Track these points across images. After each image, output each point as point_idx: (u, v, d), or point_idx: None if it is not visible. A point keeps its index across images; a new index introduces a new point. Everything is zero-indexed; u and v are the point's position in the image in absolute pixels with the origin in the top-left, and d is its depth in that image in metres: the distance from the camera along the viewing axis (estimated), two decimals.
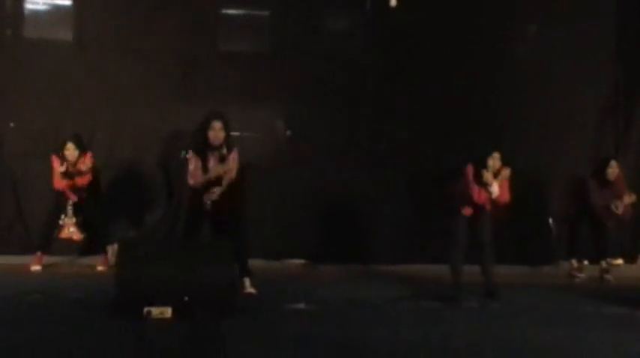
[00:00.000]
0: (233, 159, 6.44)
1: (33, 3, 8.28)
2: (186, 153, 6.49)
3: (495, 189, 6.62)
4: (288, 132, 8.54)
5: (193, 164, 6.40)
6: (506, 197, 6.73)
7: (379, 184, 8.39)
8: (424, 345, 5.05)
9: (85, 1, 8.30)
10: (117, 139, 7.93)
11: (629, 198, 7.72)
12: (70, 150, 7.42)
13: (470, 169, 6.70)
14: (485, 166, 6.67)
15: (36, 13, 8.30)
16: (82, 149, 7.46)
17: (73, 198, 7.43)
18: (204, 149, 6.41)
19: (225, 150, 6.42)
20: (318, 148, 8.35)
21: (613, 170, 7.75)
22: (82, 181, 7.42)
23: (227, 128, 6.42)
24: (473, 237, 6.71)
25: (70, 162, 7.40)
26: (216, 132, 6.37)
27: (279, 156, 8.30)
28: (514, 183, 6.80)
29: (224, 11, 8.57)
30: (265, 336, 5.16)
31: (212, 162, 6.39)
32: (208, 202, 6.41)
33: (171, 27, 8.20)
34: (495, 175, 6.69)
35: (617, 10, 8.81)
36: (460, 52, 8.37)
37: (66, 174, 7.35)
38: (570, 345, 5.12)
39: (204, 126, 6.38)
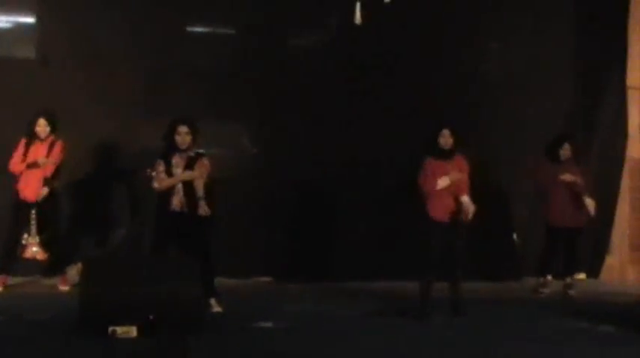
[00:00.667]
0: (204, 165, 6.46)
1: None
2: (152, 170, 6.49)
3: (443, 182, 6.49)
4: (254, 150, 8.56)
5: (158, 168, 6.43)
6: (463, 188, 6.59)
7: (347, 201, 8.40)
8: None
9: (48, 18, 8.22)
10: (81, 156, 7.84)
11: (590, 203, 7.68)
12: (42, 126, 7.20)
13: (429, 162, 6.61)
14: (437, 147, 6.61)
15: None
16: (55, 127, 7.27)
17: (29, 198, 7.20)
18: (170, 153, 6.43)
19: (193, 153, 6.45)
20: (285, 165, 8.37)
21: (564, 151, 7.74)
22: (44, 173, 7.20)
23: (194, 132, 6.45)
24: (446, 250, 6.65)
25: (40, 140, 7.20)
26: (183, 136, 6.41)
27: (245, 173, 8.29)
28: (478, 198, 6.86)
29: (190, 28, 8.58)
30: (233, 354, 5.14)
31: (178, 166, 6.41)
32: (175, 205, 6.38)
33: (137, 44, 8.17)
34: (451, 153, 6.62)
35: (577, 23, 8.95)
36: (424, 68, 8.45)
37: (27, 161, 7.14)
38: None
39: (171, 131, 6.42)
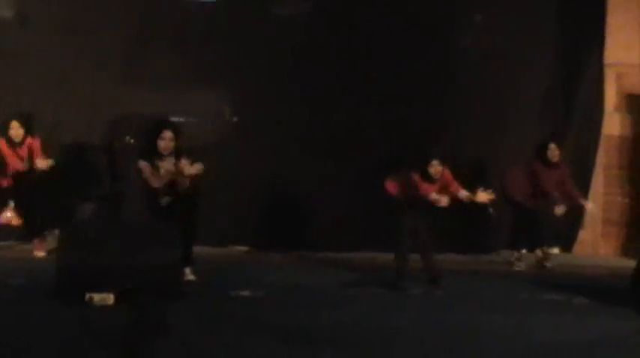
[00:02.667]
0: (185, 165, 6.33)
1: None
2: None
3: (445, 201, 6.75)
4: (235, 119, 8.52)
5: (147, 171, 6.29)
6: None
7: (324, 171, 8.38)
8: (368, 331, 5.10)
9: None
10: (59, 122, 7.72)
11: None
12: (15, 129, 7.16)
13: (414, 177, 6.79)
14: (426, 172, 6.76)
15: None
16: (29, 128, 7.22)
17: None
18: (152, 157, 6.30)
19: (173, 158, 6.32)
20: (264, 134, 8.33)
21: (552, 152, 7.84)
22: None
23: (178, 136, 6.33)
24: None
25: (17, 143, 7.17)
26: (167, 142, 6.28)
27: (224, 142, 8.25)
28: (456, 171, 6.92)
29: None
30: (210, 322, 5.14)
31: (163, 167, 6.29)
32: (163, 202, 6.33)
33: (118, 7, 8.05)
34: (433, 180, 6.77)
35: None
36: (405, 40, 8.43)
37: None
38: (510, 331, 5.24)
39: (154, 135, 6.27)
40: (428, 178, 6.83)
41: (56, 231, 6.76)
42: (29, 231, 7.47)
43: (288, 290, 6.32)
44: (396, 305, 5.99)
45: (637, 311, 5.80)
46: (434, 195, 6.75)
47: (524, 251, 8.09)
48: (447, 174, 6.93)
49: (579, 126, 9.03)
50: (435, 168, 6.80)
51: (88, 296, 5.36)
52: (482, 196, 6.94)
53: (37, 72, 7.28)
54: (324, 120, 8.38)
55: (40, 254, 7.33)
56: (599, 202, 9.14)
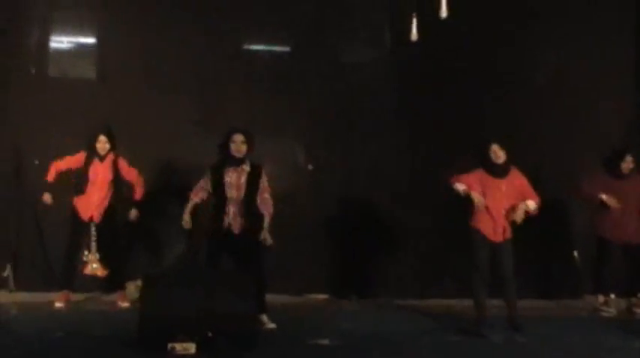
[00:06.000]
0: (264, 185, 6.52)
1: (57, 42, 8.40)
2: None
3: (460, 186, 6.54)
4: (310, 166, 8.58)
5: (201, 182, 6.55)
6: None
7: (401, 218, 8.34)
8: None
9: (108, 38, 8.41)
10: (140, 173, 7.91)
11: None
12: (102, 143, 7.26)
13: (479, 173, 6.54)
14: (489, 161, 6.51)
15: (60, 52, 8.42)
16: (114, 145, 7.32)
17: (89, 217, 7.28)
18: (223, 163, 6.46)
19: (248, 166, 6.47)
20: (340, 181, 8.36)
21: (627, 164, 7.49)
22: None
23: (250, 142, 6.47)
24: (495, 270, 6.61)
25: (100, 158, 7.29)
26: (238, 145, 6.43)
27: (299, 190, 8.31)
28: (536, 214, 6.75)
29: (246, 45, 8.67)
30: None
31: (231, 178, 6.43)
32: (225, 225, 6.42)
33: (194, 61, 8.28)
34: (505, 169, 6.48)
35: (636, 33, 8.79)
36: (479, 81, 8.39)
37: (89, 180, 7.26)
38: None
39: (226, 140, 6.46)
40: (492, 168, 6.45)
41: (138, 282, 6.87)
42: (113, 281, 7.60)
43: (365, 338, 6.25)
44: (476, 352, 5.85)
45: None
46: (460, 185, 6.48)
47: (612, 295, 7.78)
48: (518, 176, 6.53)
49: None
50: (496, 152, 6.45)
51: (170, 346, 5.42)
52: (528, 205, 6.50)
53: (118, 125, 7.49)
54: (399, 167, 8.35)
55: (124, 304, 7.46)
56: None
